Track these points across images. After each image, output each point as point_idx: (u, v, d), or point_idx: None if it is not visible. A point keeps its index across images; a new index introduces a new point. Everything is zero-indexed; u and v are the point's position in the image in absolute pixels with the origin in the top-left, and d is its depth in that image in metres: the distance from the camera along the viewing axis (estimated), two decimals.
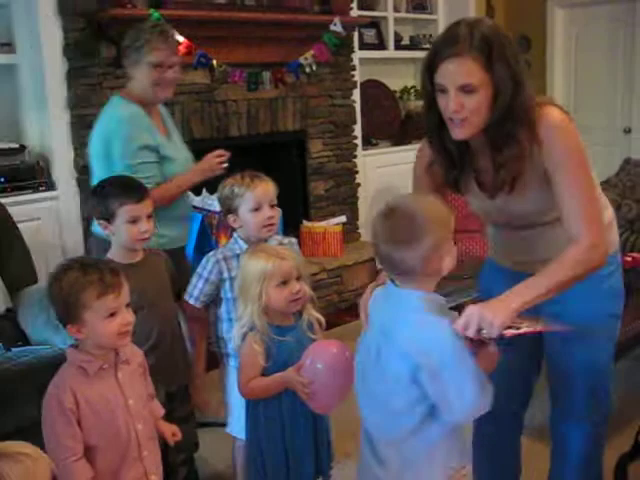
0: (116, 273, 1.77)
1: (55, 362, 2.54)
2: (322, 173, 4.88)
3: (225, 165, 2.75)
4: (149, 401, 1.94)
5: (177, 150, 2.84)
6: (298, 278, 2.07)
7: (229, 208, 2.35)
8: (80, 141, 3.66)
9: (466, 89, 1.69)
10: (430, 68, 1.74)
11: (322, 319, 2.18)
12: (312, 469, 2.15)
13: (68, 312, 1.74)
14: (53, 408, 1.74)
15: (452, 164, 1.89)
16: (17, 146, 3.59)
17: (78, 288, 1.72)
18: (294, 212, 4.57)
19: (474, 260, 3.93)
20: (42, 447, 1.82)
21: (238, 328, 2.09)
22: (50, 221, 3.56)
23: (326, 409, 2.07)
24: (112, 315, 1.74)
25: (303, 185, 4.79)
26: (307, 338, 2.10)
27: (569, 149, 1.76)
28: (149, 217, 2.25)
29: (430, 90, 1.78)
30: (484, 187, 1.88)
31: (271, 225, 2.33)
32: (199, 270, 2.35)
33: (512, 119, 1.73)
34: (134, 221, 2.21)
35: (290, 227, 4.35)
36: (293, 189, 4.68)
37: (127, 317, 1.77)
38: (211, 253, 2.38)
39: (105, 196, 2.27)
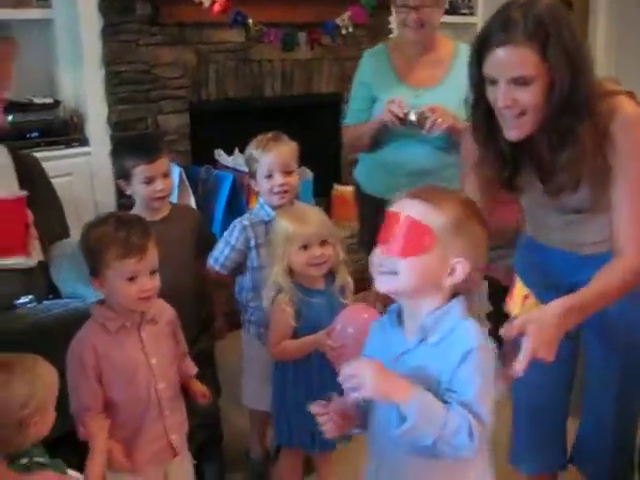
0: (145, 237, 1.75)
1: (85, 316, 2.59)
2: None
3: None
4: (179, 360, 1.93)
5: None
6: (323, 243, 2.05)
7: (250, 171, 2.33)
8: (114, 98, 3.66)
9: (519, 81, 1.51)
10: (478, 55, 1.57)
11: (351, 284, 2.16)
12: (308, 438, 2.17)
13: (93, 265, 1.75)
14: (74, 363, 1.77)
15: (504, 164, 1.70)
16: (52, 101, 3.59)
17: (103, 244, 1.73)
18: (326, 175, 4.54)
19: (507, 230, 3.86)
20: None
21: (267, 290, 2.10)
22: (82, 177, 3.57)
23: None
24: (132, 279, 1.73)
25: (336, 148, 4.75)
26: (338, 302, 2.09)
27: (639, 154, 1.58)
28: (165, 176, 2.23)
29: (478, 80, 1.60)
30: (545, 186, 1.71)
31: (284, 193, 2.27)
32: (226, 236, 2.33)
33: (572, 113, 1.53)
34: (149, 181, 2.20)
35: (322, 190, 4.32)
36: (326, 152, 4.64)
37: (148, 284, 1.76)
38: (238, 219, 2.36)
39: (120, 156, 2.28)
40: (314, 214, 2.13)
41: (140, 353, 1.81)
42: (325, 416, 1.46)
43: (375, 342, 1.49)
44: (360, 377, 1.26)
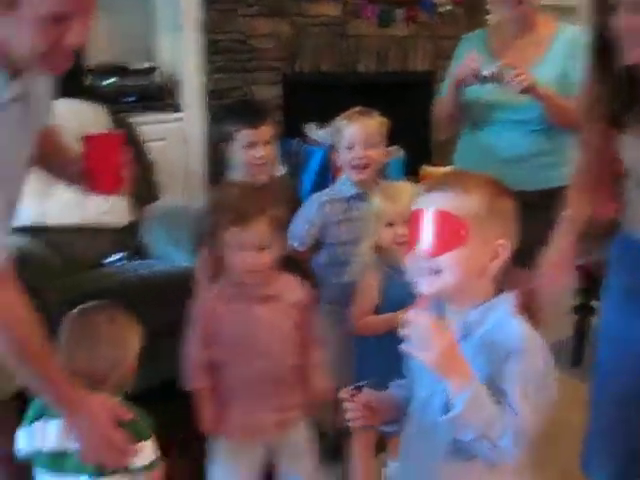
0: (259, 212, 1.72)
1: (172, 277, 2.63)
2: None
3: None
4: (302, 346, 1.88)
5: None
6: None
7: (334, 143, 2.29)
8: (210, 66, 3.69)
9: None
10: None
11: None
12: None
13: (209, 229, 1.77)
14: (191, 320, 1.80)
15: (616, 94, 1.62)
16: (149, 66, 3.64)
17: (219, 209, 1.74)
18: (417, 155, 4.47)
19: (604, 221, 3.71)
20: (157, 355, 1.89)
21: (355, 265, 2.09)
22: (175, 142, 3.61)
23: None
24: (241, 249, 1.72)
25: (428, 128, 4.67)
26: None
27: None
28: (267, 143, 2.21)
29: (600, 7, 1.54)
30: None
31: (363, 167, 2.21)
32: (304, 212, 2.30)
33: None
34: (250, 146, 2.18)
35: (411, 170, 4.26)
36: (417, 131, 4.57)
37: (256, 258, 1.72)
38: (316, 194, 2.33)
39: (224, 119, 2.27)
40: (407, 194, 2.09)
41: (250, 326, 1.79)
42: (351, 404, 1.39)
43: None
44: (432, 340, 1.15)
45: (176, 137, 3.61)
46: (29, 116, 1.46)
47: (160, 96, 3.63)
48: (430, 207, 1.23)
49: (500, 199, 1.26)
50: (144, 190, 3.01)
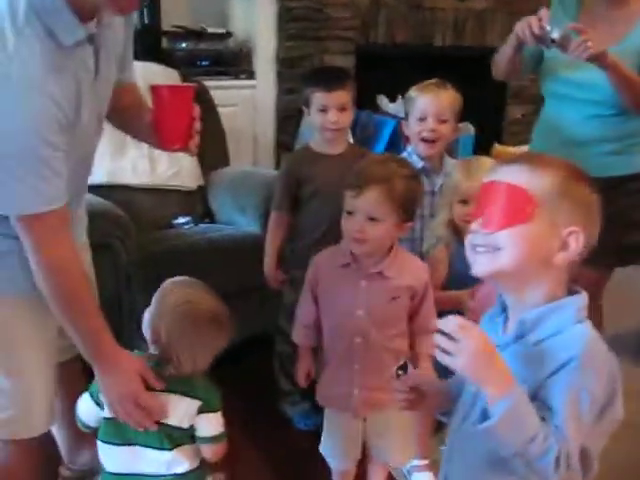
0: (376, 180, 1.68)
1: (240, 241, 2.66)
2: (522, 97, 4.60)
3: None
4: (410, 332, 1.84)
5: None
6: None
7: (405, 113, 2.26)
8: (284, 34, 3.67)
9: None
10: None
11: None
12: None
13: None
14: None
15: None
16: (224, 32, 3.65)
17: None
18: (488, 133, 4.38)
19: None
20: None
21: (427, 238, 2.07)
22: (246, 109, 3.62)
23: None
24: (351, 215, 1.71)
25: (501, 107, 4.57)
26: None
27: None
28: (343, 109, 2.18)
29: None
30: None
31: (432, 141, 2.16)
32: None
33: None
34: (324, 110, 2.17)
35: (482, 148, 4.18)
36: (490, 109, 4.48)
37: (364, 227, 1.69)
38: None
39: (304, 81, 2.27)
40: (486, 171, 2.04)
41: (350, 298, 1.78)
42: (398, 384, 1.32)
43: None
44: (462, 343, 1.03)
45: (247, 104, 3.62)
46: (100, 63, 1.47)
47: (233, 62, 3.63)
48: (498, 179, 1.15)
49: (577, 184, 1.13)
50: (214, 155, 3.03)
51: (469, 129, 3.96)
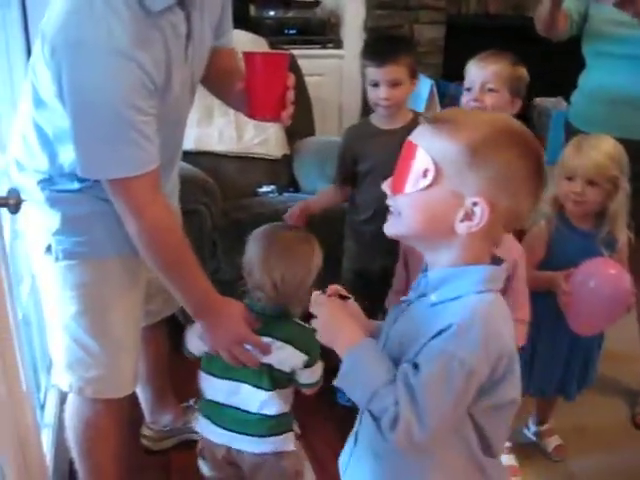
0: None
1: (325, 211, 2.62)
2: None
3: None
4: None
5: None
6: (590, 183, 1.87)
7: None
8: (373, 2, 3.60)
9: None
10: None
11: (623, 238, 1.93)
12: (553, 385, 2.05)
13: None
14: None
15: None
16: (312, 0, 3.61)
17: None
18: None
19: None
20: None
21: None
22: (333, 79, 3.59)
23: (582, 329, 1.90)
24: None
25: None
26: (598, 251, 1.90)
27: None
28: (394, 85, 2.09)
29: None
30: None
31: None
32: None
33: None
34: (374, 85, 2.10)
35: None
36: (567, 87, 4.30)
37: None
38: None
39: (362, 54, 2.20)
40: (600, 150, 1.91)
41: None
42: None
43: None
44: (317, 318, 1.13)
45: (334, 73, 3.58)
46: (192, 27, 1.45)
47: (321, 31, 3.60)
48: (411, 139, 1.07)
49: (495, 151, 1.01)
50: (299, 124, 3.00)
51: (562, 105, 3.81)
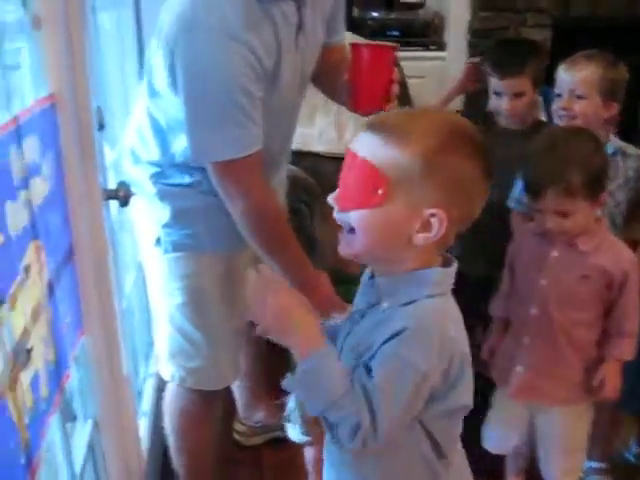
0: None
1: None
2: None
3: None
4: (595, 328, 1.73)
5: None
6: None
7: None
8: (478, 4, 3.55)
9: None
10: None
11: None
12: None
13: None
14: None
15: None
16: (416, 1, 3.59)
17: None
18: None
19: None
20: None
21: None
22: (434, 81, 3.54)
23: None
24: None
25: None
26: None
27: None
28: (517, 95, 2.04)
29: None
30: None
31: (568, 119, 1.93)
32: None
33: None
34: (497, 95, 2.05)
35: None
36: None
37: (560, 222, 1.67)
38: None
39: (483, 56, 2.16)
40: None
41: (537, 266, 1.71)
42: None
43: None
44: (266, 300, 1.00)
45: (435, 75, 3.53)
46: (304, 19, 1.46)
47: (424, 33, 3.57)
48: (356, 150, 0.99)
49: (446, 157, 0.97)
50: None
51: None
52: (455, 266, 1.04)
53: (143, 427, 1.90)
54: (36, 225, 1.05)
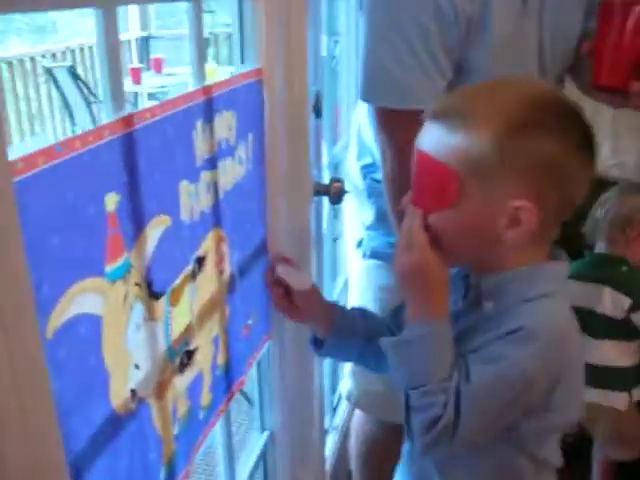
0: None
1: None
2: None
3: None
4: None
5: None
6: None
7: None
8: None
9: None
10: None
11: None
12: None
13: None
14: None
15: None
16: None
17: None
18: None
19: None
20: None
21: None
22: None
23: None
24: None
25: None
26: None
27: None
28: None
29: None
30: None
31: None
32: None
33: None
34: None
35: None
36: None
37: None
38: None
39: None
40: None
41: None
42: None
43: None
44: (410, 248, 0.86)
45: None
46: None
47: None
48: (420, 145, 0.86)
49: (524, 136, 0.80)
50: None
51: None
52: (565, 260, 0.92)
53: (329, 444, 1.77)
54: (220, 212, 0.93)
